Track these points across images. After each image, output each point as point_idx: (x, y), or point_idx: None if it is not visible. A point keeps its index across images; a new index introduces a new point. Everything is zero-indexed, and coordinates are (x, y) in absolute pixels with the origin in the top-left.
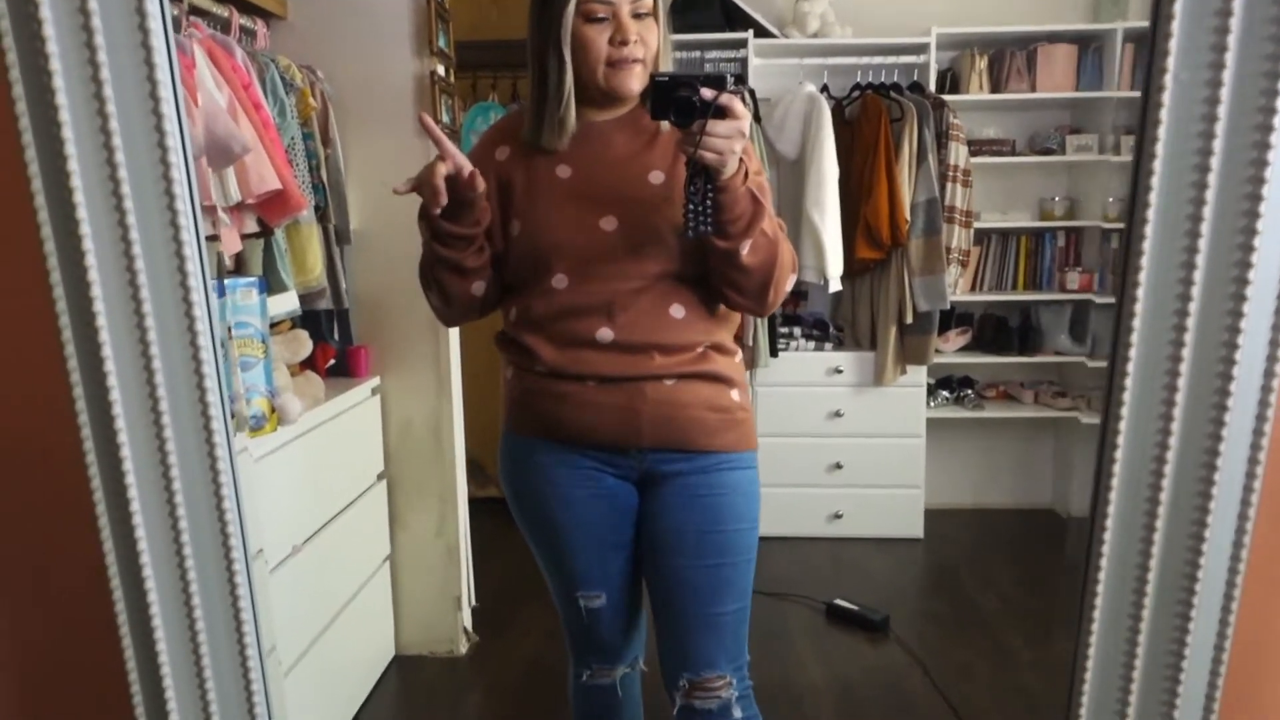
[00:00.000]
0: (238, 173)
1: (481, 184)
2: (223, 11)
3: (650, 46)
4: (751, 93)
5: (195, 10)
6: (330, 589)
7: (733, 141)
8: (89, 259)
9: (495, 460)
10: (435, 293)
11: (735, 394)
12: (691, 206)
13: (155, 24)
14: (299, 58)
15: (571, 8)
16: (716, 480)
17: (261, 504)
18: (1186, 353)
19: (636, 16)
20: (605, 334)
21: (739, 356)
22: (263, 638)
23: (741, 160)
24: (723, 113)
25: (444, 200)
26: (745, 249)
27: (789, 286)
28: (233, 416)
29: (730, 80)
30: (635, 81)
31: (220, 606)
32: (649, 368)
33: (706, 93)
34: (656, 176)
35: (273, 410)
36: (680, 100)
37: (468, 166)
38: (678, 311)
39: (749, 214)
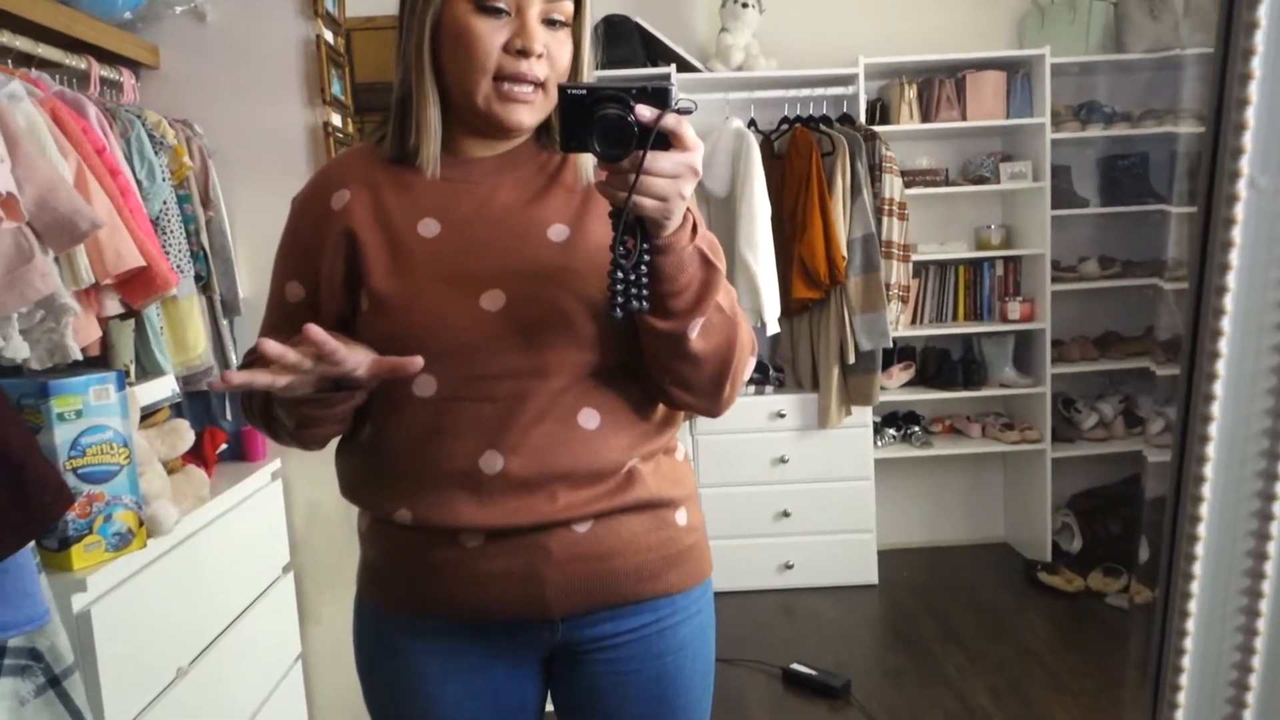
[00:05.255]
0: (90, 251)
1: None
2: (79, 63)
3: (558, 68)
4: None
5: (43, 63)
6: (233, 702)
7: (681, 182)
8: None
9: None
10: (270, 431)
11: (681, 515)
12: (621, 274)
13: None
14: (173, 111)
15: None
16: (659, 644)
17: (134, 629)
18: None
19: (549, 23)
20: (492, 461)
21: (682, 451)
22: None
23: (688, 210)
24: (667, 141)
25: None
26: (695, 330)
27: (747, 375)
28: None
29: (674, 93)
30: (528, 114)
31: None
32: (551, 512)
33: (644, 111)
34: (558, 232)
35: (140, 523)
36: (607, 122)
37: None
38: (590, 420)
39: (699, 282)
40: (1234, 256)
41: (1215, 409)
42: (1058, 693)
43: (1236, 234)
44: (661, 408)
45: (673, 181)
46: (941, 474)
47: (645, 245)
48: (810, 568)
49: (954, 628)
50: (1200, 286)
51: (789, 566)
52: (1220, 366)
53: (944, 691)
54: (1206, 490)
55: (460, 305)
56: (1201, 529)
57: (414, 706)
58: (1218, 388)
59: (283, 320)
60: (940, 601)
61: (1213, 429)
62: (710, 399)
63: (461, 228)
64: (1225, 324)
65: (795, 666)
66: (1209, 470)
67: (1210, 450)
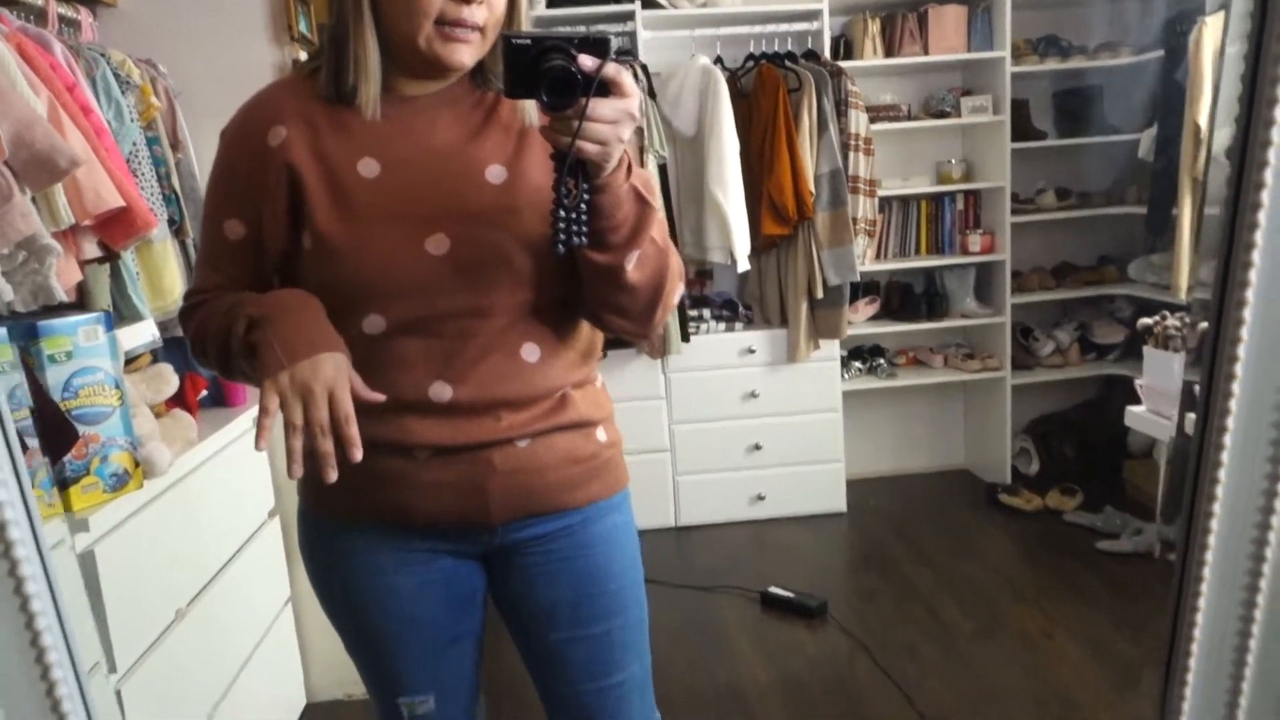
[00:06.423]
0: (69, 191)
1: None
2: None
3: (496, 13)
4: (644, 68)
5: None
6: (229, 643)
7: (620, 127)
8: None
9: None
10: (220, 367)
11: (601, 433)
12: (563, 214)
13: None
14: (135, 50)
15: None
16: (584, 538)
17: (136, 569)
18: None
19: None
20: (441, 391)
21: (600, 380)
22: None
23: (624, 151)
24: (606, 89)
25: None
26: (631, 263)
27: (677, 300)
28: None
29: (614, 43)
30: (469, 54)
31: None
32: (495, 431)
33: (586, 61)
34: (496, 173)
35: (136, 464)
36: (554, 72)
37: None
38: (531, 353)
39: (635, 217)
40: (1265, 196)
41: (1244, 332)
42: (1021, 603)
43: (1268, 176)
44: (585, 340)
45: (613, 127)
46: (906, 404)
47: (585, 186)
48: (782, 498)
49: (922, 549)
50: (1234, 220)
51: (761, 498)
52: (1249, 293)
53: (916, 607)
54: (1230, 423)
55: (406, 250)
56: (1224, 455)
57: (373, 596)
58: (1244, 331)
59: (224, 259)
60: (908, 526)
61: (1240, 349)
62: (643, 323)
63: (401, 167)
64: (1255, 257)
65: (773, 589)
66: (1236, 386)
67: (1238, 369)
